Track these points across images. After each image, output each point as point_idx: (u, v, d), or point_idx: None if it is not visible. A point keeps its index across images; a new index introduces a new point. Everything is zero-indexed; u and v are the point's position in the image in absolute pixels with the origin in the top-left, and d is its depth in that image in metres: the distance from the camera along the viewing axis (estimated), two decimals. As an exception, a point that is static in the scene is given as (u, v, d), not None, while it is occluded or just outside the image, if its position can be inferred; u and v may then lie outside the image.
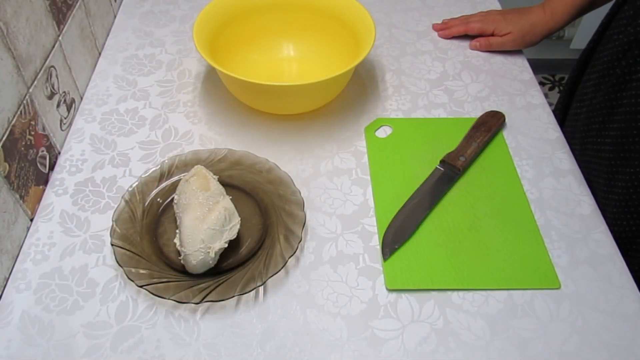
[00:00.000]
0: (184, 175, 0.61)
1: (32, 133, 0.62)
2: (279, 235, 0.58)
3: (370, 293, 0.56)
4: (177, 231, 0.56)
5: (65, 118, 0.70)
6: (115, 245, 0.55)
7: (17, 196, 0.58)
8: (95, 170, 0.66)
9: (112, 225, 0.57)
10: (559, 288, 0.56)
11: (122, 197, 0.60)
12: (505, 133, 0.72)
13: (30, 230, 0.60)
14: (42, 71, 0.64)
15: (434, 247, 0.59)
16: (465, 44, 0.86)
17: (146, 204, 0.61)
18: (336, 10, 0.77)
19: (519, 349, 0.52)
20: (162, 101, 0.76)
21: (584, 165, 0.68)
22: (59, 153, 0.68)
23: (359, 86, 0.79)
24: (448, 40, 0.87)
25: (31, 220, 0.61)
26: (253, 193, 0.63)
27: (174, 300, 0.52)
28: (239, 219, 0.57)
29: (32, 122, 0.62)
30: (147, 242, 0.58)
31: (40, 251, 0.58)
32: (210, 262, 0.55)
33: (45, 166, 0.65)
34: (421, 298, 0.55)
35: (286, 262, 0.55)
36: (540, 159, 0.69)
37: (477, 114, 0.74)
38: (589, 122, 0.67)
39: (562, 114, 0.81)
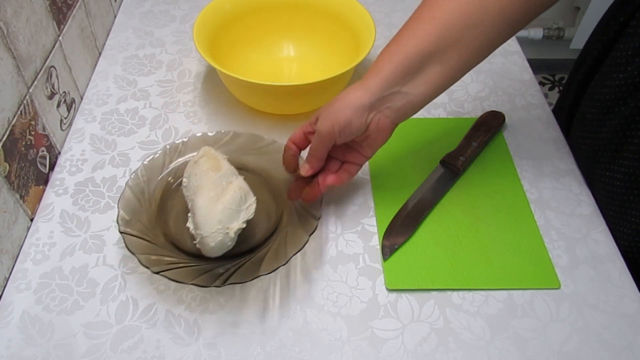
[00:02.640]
0: (190, 158, 0.59)
1: (32, 133, 0.62)
2: (296, 215, 0.57)
3: (370, 293, 0.56)
4: (190, 215, 0.54)
5: (65, 118, 0.70)
6: (125, 233, 0.53)
7: (18, 196, 0.58)
8: (96, 170, 0.66)
9: (119, 213, 0.55)
10: (559, 288, 0.56)
11: (127, 184, 0.58)
12: (505, 133, 0.72)
13: (31, 230, 0.60)
14: (42, 71, 0.64)
15: (434, 247, 0.59)
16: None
17: (152, 189, 0.59)
18: (336, 10, 0.77)
19: (519, 349, 0.52)
20: (162, 101, 0.76)
21: (591, 191, 0.66)
22: (59, 153, 0.68)
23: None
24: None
25: (31, 220, 0.61)
26: (264, 174, 0.62)
27: (195, 285, 0.50)
28: (255, 197, 0.55)
29: (32, 122, 0.62)
30: (158, 228, 0.56)
31: (41, 251, 0.58)
32: (229, 243, 0.53)
33: (45, 166, 0.65)
34: (421, 298, 0.55)
35: (308, 240, 0.53)
36: (540, 159, 0.69)
37: (477, 114, 0.74)
38: (596, 155, 0.65)
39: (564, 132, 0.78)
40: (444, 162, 0.67)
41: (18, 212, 0.58)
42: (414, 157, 0.69)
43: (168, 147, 0.62)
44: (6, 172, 0.56)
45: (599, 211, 0.63)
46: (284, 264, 0.52)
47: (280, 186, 0.60)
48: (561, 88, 2.10)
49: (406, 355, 0.51)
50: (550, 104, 0.77)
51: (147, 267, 0.51)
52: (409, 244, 0.59)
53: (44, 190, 0.64)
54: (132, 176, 0.59)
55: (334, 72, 0.65)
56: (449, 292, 0.56)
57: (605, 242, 0.60)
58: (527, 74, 0.81)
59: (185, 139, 0.63)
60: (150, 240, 0.54)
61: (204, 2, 0.75)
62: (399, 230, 0.60)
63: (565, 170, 0.67)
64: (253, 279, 0.51)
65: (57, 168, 0.67)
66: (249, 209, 0.54)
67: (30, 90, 0.61)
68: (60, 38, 0.69)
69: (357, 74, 0.80)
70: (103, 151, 0.69)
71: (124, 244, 0.52)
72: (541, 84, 2.10)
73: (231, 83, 0.71)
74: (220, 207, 0.52)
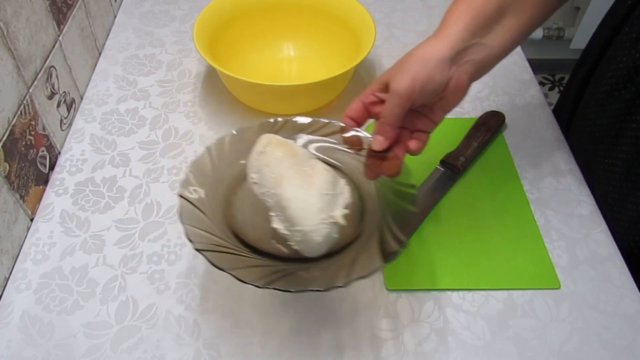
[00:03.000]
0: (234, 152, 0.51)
1: (32, 133, 0.62)
2: (389, 193, 0.50)
3: (370, 293, 0.56)
4: (274, 213, 0.47)
5: (65, 118, 0.70)
6: (206, 250, 0.45)
7: (18, 196, 0.58)
8: (96, 170, 0.66)
9: (187, 229, 0.46)
10: (559, 288, 0.56)
11: (180, 196, 0.48)
12: (505, 133, 0.72)
13: (31, 230, 0.60)
14: (42, 71, 0.64)
15: (434, 247, 0.59)
16: (465, 44, 0.86)
17: (213, 195, 0.51)
18: (336, 10, 0.77)
19: (519, 349, 0.52)
20: (162, 101, 0.76)
21: (588, 181, 0.66)
22: (59, 153, 0.68)
23: (359, 86, 0.79)
24: (448, 40, 0.87)
25: (31, 220, 0.61)
26: (328, 161, 0.55)
27: (315, 290, 0.43)
28: (345, 179, 0.49)
29: (32, 122, 0.62)
30: (234, 237, 0.48)
31: (41, 251, 0.58)
32: (335, 235, 0.45)
33: (45, 166, 0.65)
34: (421, 298, 0.55)
35: (413, 211, 0.48)
36: (540, 159, 0.69)
37: (477, 114, 0.74)
38: (596, 142, 0.64)
39: (565, 131, 0.78)
40: (444, 162, 0.67)
41: (18, 212, 0.58)
42: (414, 157, 0.68)
43: (212, 148, 0.54)
44: (6, 172, 0.56)
45: (599, 211, 0.63)
46: (404, 247, 0.45)
47: (352, 171, 0.54)
48: (561, 88, 2.10)
49: (406, 355, 0.51)
50: (550, 104, 0.77)
51: (247, 282, 0.43)
52: (409, 244, 0.59)
53: (44, 190, 0.64)
54: (184, 185, 0.49)
55: (334, 72, 0.65)
56: (449, 292, 0.56)
57: (605, 242, 0.60)
58: (527, 74, 0.81)
59: (226, 136, 0.54)
60: (234, 251, 0.47)
61: (204, 2, 0.75)
62: (399, 230, 0.60)
63: (565, 170, 0.67)
64: (376, 271, 0.45)
65: (57, 168, 0.67)
66: (344, 192, 0.47)
67: (30, 90, 0.61)
68: (60, 38, 0.69)
69: (357, 74, 0.80)
70: (103, 151, 0.69)
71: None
72: (541, 84, 2.10)
73: (231, 83, 0.71)
74: (315, 194, 0.45)
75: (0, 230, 0.54)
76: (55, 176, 0.66)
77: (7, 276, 0.56)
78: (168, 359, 0.51)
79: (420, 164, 0.67)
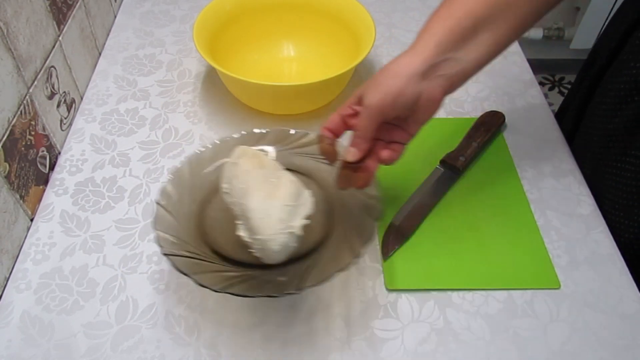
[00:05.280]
0: (220, 163, 0.54)
1: (32, 133, 0.62)
2: (354, 205, 0.52)
3: (370, 293, 0.56)
4: (239, 222, 0.50)
5: (65, 118, 0.70)
6: (171, 255, 0.47)
7: (18, 196, 0.58)
8: (96, 170, 0.66)
9: (158, 235, 0.49)
10: (558, 288, 0.56)
11: (157, 203, 0.52)
12: (505, 133, 0.72)
13: (31, 230, 0.60)
14: (42, 71, 0.64)
15: (434, 247, 0.59)
16: (465, 44, 0.86)
17: (186, 203, 0.54)
18: (336, 10, 0.77)
19: (519, 349, 0.52)
20: (162, 101, 0.76)
21: (595, 186, 0.66)
22: (59, 153, 0.68)
23: (359, 86, 0.79)
24: (448, 40, 0.87)
25: (31, 220, 0.61)
26: (303, 170, 0.57)
27: (268, 296, 0.46)
28: (310, 191, 0.51)
29: (32, 122, 0.62)
30: (203, 243, 0.51)
31: (41, 251, 0.58)
32: (293, 244, 0.48)
33: (45, 166, 0.65)
34: (421, 298, 0.55)
35: (376, 225, 0.50)
36: (540, 159, 0.69)
37: (477, 114, 0.74)
38: (607, 146, 0.64)
39: (570, 134, 0.76)
40: (444, 162, 0.67)
41: (18, 212, 0.58)
42: (414, 157, 0.68)
43: (192, 157, 0.57)
44: (6, 172, 0.56)
45: (598, 211, 0.63)
46: (358, 257, 0.48)
47: (325, 180, 0.56)
48: (561, 88, 2.10)
49: (406, 355, 0.51)
50: (550, 104, 0.77)
51: (206, 287, 0.45)
52: (409, 244, 0.59)
53: (44, 190, 0.64)
54: (161, 193, 0.53)
55: (334, 72, 0.65)
56: (449, 292, 0.56)
57: (605, 242, 0.60)
58: (527, 74, 0.81)
59: (208, 146, 0.58)
60: (200, 257, 0.49)
61: (204, 2, 0.75)
62: (399, 231, 0.60)
63: (565, 170, 0.67)
64: (331, 277, 0.46)
65: (57, 168, 0.67)
66: (307, 203, 0.50)
67: (30, 90, 0.61)
68: (60, 38, 0.69)
69: (357, 74, 0.80)
70: (103, 151, 0.69)
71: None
72: (541, 84, 2.10)
73: (231, 83, 0.71)
74: (277, 205, 0.47)
75: (0, 230, 0.54)
76: (55, 176, 0.66)
77: (7, 276, 0.56)
78: (168, 359, 0.51)
79: (421, 164, 0.68)
